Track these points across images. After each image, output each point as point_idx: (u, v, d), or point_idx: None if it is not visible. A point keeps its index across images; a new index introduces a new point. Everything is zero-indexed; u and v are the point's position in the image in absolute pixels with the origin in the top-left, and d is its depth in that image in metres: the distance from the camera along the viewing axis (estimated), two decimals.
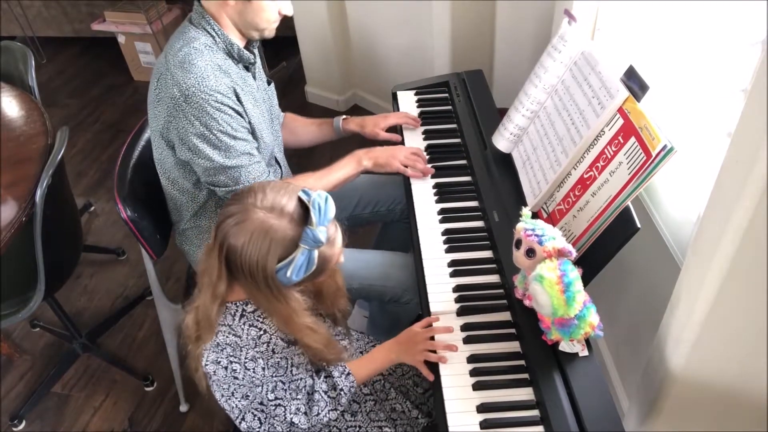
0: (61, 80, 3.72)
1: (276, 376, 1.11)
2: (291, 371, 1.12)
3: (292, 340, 1.12)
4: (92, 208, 2.76)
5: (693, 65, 1.28)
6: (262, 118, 1.48)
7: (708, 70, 1.23)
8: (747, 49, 1.07)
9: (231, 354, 1.09)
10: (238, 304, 1.11)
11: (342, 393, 1.18)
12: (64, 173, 1.83)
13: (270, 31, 1.42)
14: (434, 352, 1.16)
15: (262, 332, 1.10)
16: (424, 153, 1.61)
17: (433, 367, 1.15)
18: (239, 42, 1.41)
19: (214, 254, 1.05)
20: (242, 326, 1.09)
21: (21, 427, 1.94)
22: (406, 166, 1.55)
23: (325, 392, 1.17)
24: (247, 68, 1.46)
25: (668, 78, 1.35)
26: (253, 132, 1.42)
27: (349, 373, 1.19)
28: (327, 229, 1.04)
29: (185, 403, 1.93)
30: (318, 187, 1.45)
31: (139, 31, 3.38)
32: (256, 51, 1.50)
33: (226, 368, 1.09)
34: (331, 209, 1.05)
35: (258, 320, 1.10)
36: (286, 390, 1.13)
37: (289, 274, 1.01)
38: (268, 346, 1.09)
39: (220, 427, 1.89)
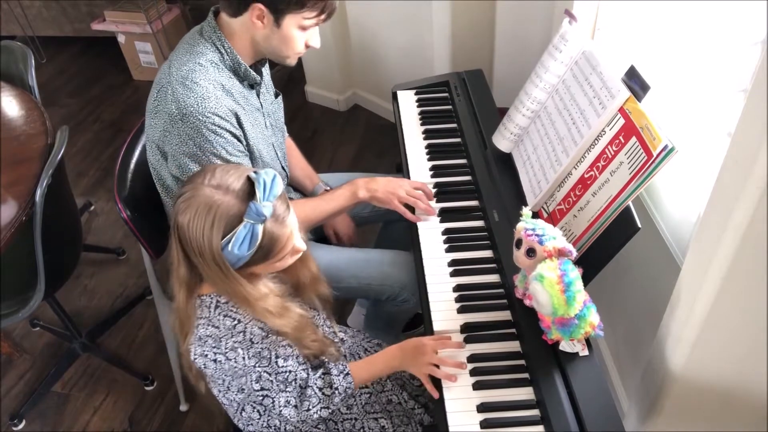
0: (61, 80, 3.72)
1: (259, 366, 1.10)
2: (276, 362, 1.11)
3: (271, 329, 1.12)
4: (92, 208, 2.76)
5: (693, 65, 1.28)
6: (262, 137, 1.45)
7: (708, 70, 1.23)
8: (747, 49, 1.07)
9: (213, 346, 1.09)
10: (212, 296, 1.11)
11: (336, 392, 1.17)
12: (64, 173, 1.83)
13: (292, 60, 1.39)
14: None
15: (236, 322, 1.10)
16: (430, 188, 1.50)
17: (438, 382, 1.13)
18: (248, 60, 1.38)
19: (173, 237, 1.06)
20: (218, 317, 1.10)
21: (21, 426, 1.94)
22: (407, 205, 1.45)
23: (320, 389, 1.16)
24: (251, 86, 1.43)
25: (668, 78, 1.35)
26: (251, 153, 1.40)
27: (348, 373, 1.19)
28: (273, 205, 1.04)
29: (185, 403, 1.93)
30: (312, 216, 1.46)
31: (139, 30, 3.38)
32: (264, 69, 1.47)
33: (214, 361, 1.09)
34: (278, 186, 1.06)
35: (231, 310, 1.11)
36: (272, 381, 1.12)
37: (230, 248, 1.01)
38: (244, 335, 1.09)
39: (220, 426, 1.89)
